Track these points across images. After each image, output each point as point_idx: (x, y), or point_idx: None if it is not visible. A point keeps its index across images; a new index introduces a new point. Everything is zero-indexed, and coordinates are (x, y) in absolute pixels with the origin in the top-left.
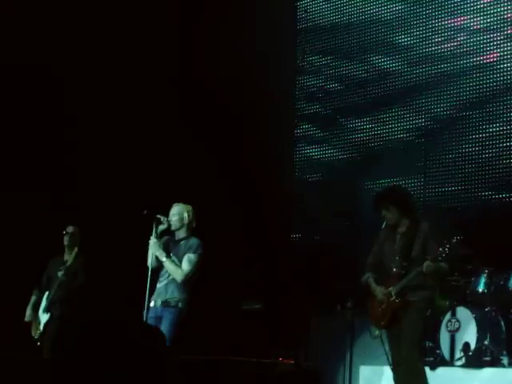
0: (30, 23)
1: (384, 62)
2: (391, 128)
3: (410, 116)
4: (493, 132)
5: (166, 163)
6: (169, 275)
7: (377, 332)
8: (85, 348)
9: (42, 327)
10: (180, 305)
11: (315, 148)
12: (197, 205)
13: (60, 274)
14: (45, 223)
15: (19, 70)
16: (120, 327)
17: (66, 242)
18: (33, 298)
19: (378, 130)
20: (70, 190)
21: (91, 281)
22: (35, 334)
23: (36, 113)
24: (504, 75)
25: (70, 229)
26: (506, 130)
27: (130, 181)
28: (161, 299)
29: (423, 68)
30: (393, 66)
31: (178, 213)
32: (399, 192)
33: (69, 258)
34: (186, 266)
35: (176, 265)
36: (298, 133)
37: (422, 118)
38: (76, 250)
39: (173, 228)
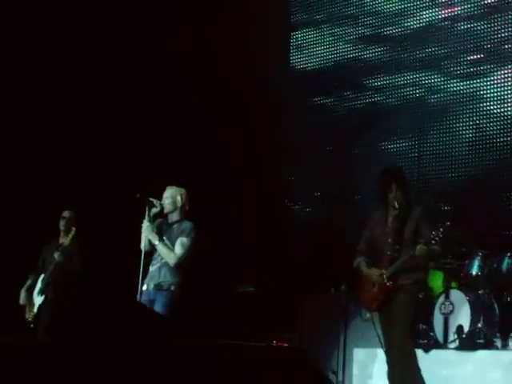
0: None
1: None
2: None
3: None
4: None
5: (158, 144)
6: (161, 258)
7: (368, 315)
8: (78, 331)
9: (35, 309)
10: (172, 288)
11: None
12: (190, 187)
13: (56, 255)
14: (39, 207)
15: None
16: (114, 310)
17: (61, 227)
18: (28, 282)
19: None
20: (65, 174)
21: (86, 266)
22: (29, 317)
23: (32, 96)
24: None
25: (66, 213)
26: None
27: (123, 164)
28: (153, 282)
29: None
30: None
31: (171, 196)
32: (405, 173)
33: (65, 240)
34: (178, 249)
35: (169, 248)
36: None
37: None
38: (72, 234)
39: (166, 211)
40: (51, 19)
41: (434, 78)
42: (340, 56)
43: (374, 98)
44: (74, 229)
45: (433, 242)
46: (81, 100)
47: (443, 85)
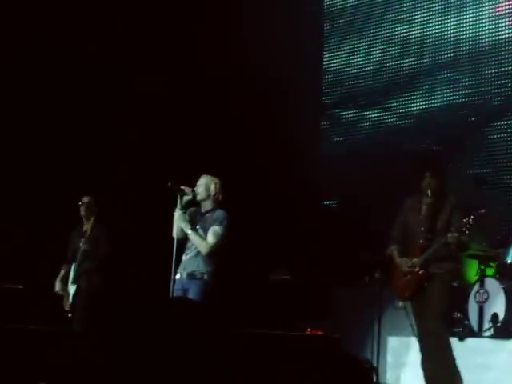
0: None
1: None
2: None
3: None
4: None
5: (192, 136)
6: (195, 248)
7: (400, 303)
8: (114, 321)
9: (70, 299)
10: (206, 277)
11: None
12: (224, 177)
13: (82, 243)
14: (69, 196)
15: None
16: (148, 302)
17: (82, 213)
18: (61, 272)
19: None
20: (98, 165)
21: (115, 249)
22: (66, 306)
23: (53, 80)
24: None
25: (85, 199)
26: None
27: (157, 154)
28: (187, 271)
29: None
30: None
31: (204, 183)
32: (441, 161)
33: (88, 228)
34: (211, 238)
35: (201, 237)
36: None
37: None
38: (93, 219)
39: (199, 198)
40: (49, 17)
41: None
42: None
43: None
44: (93, 218)
45: (464, 229)
46: (115, 85)
47: None
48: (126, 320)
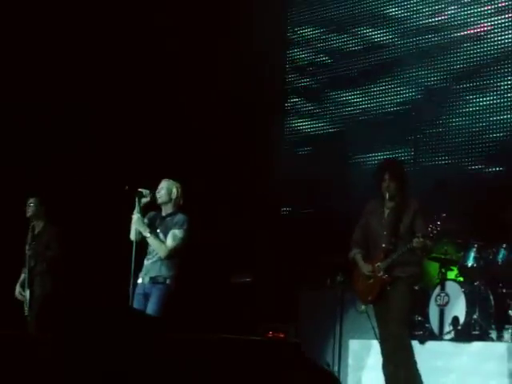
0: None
1: (373, 34)
2: (381, 101)
3: (399, 88)
4: (483, 105)
5: (152, 140)
6: (157, 253)
7: (363, 307)
8: (66, 322)
9: (27, 303)
10: (168, 281)
11: (305, 121)
12: (184, 179)
13: (26, 249)
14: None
15: None
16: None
17: (28, 214)
18: (22, 275)
19: (367, 103)
20: (54, 167)
21: (70, 252)
22: (25, 311)
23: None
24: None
25: (30, 200)
26: (497, 102)
27: (116, 156)
28: (149, 276)
29: (413, 40)
30: (382, 38)
31: (166, 187)
32: (401, 165)
33: (38, 230)
34: (170, 241)
35: (160, 241)
36: (287, 106)
37: (411, 91)
38: (43, 221)
39: (160, 201)
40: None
41: None
42: None
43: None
44: (41, 221)
45: (430, 235)
46: (75, 91)
47: None
48: (73, 324)
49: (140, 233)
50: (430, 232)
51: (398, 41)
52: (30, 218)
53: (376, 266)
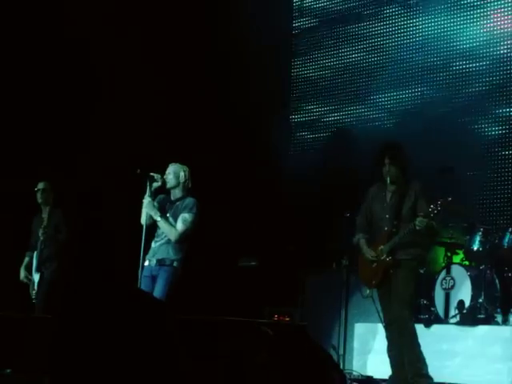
0: None
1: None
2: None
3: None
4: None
5: (162, 125)
6: (165, 235)
7: (367, 291)
8: (74, 308)
9: (35, 287)
10: (175, 264)
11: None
12: (193, 165)
13: (40, 232)
14: (31, 181)
15: None
16: (112, 289)
17: (38, 200)
18: (25, 259)
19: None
20: (70, 151)
21: (76, 235)
22: (32, 294)
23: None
24: None
25: (40, 185)
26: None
27: (127, 140)
28: (156, 258)
29: None
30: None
31: (174, 171)
32: (401, 148)
33: (45, 215)
34: (180, 225)
35: (171, 224)
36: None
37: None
38: (49, 207)
39: (168, 186)
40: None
41: None
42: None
43: None
44: (49, 206)
45: (431, 215)
46: (85, 69)
47: None
48: (81, 308)
49: (151, 217)
50: (431, 212)
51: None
52: (39, 203)
53: (379, 249)
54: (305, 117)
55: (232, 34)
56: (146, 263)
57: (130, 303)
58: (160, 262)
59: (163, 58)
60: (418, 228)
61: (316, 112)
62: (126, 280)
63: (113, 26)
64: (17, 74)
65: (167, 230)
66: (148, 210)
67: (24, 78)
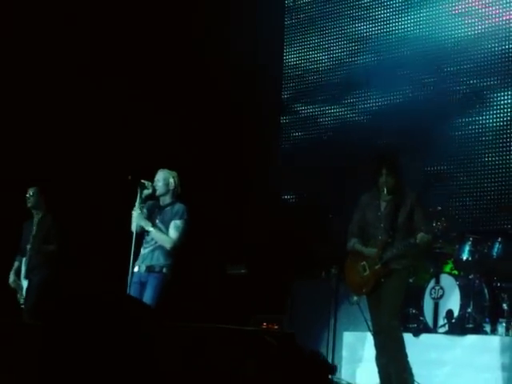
0: None
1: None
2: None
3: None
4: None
5: (150, 130)
6: (155, 242)
7: (355, 298)
8: (62, 316)
9: (24, 293)
10: (165, 270)
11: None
12: (181, 169)
13: (30, 240)
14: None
15: None
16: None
17: (28, 204)
18: (15, 264)
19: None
20: (55, 156)
21: (65, 244)
22: (20, 299)
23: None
24: None
25: (29, 191)
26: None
27: (115, 147)
28: (145, 264)
29: None
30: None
31: (163, 178)
32: (398, 157)
33: (36, 221)
34: (173, 232)
35: (163, 233)
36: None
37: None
38: (42, 212)
39: (158, 193)
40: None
41: None
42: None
43: None
44: (40, 212)
45: (436, 233)
46: (77, 81)
47: None
48: (68, 315)
49: (142, 227)
50: (434, 228)
51: None
52: (30, 208)
53: (378, 254)
54: (295, 116)
55: (221, 34)
56: (136, 269)
57: (115, 310)
58: (149, 269)
59: (151, 57)
60: (419, 244)
61: (307, 111)
62: (114, 286)
63: (98, 31)
64: (8, 79)
65: (161, 239)
66: (138, 222)
67: (19, 82)
